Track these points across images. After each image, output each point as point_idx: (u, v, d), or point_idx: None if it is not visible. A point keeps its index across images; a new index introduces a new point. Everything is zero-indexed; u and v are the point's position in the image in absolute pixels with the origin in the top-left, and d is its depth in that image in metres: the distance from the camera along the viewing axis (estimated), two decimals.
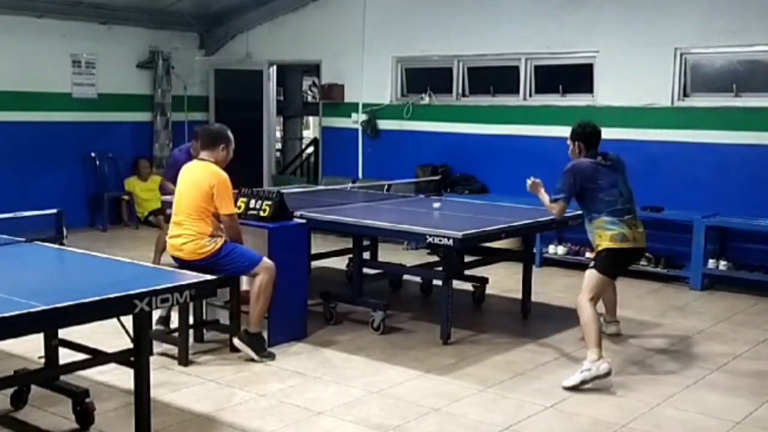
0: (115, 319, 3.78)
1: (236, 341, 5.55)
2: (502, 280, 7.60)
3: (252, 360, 5.49)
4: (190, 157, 6.51)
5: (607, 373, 5.10)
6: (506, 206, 7.51)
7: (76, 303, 3.41)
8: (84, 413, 4.30)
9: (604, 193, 5.53)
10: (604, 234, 5.50)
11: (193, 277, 4.12)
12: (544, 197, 5.78)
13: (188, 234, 5.39)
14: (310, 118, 15.58)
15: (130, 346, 3.96)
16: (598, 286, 5.49)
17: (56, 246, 4.96)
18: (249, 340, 5.52)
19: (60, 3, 10.08)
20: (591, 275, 5.48)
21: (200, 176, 5.45)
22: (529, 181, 5.93)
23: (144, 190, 10.93)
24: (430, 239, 5.69)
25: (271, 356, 5.56)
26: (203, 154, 5.59)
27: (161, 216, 7.66)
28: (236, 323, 5.65)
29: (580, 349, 5.84)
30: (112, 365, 4.35)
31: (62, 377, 4.51)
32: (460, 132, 9.91)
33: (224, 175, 5.49)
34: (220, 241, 5.42)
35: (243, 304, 5.65)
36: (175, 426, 4.43)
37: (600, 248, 5.52)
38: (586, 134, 5.73)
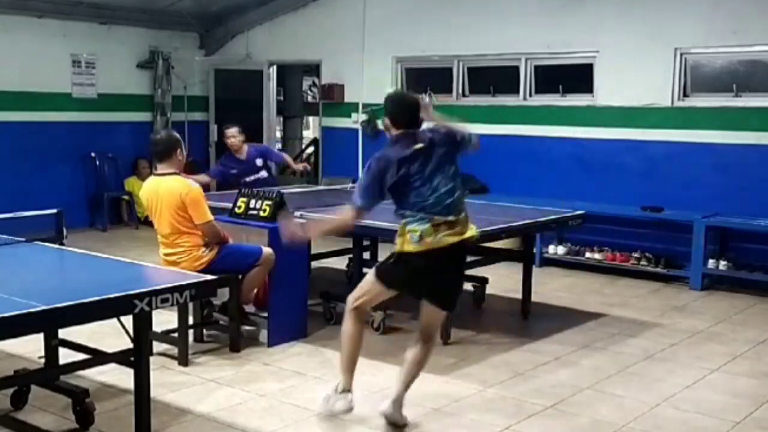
0: (115, 319, 3.78)
1: (215, 314, 5.77)
2: (502, 280, 7.59)
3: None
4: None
5: (346, 411, 4.36)
6: (506, 206, 7.51)
7: (76, 303, 3.41)
8: (84, 413, 4.30)
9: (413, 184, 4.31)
10: (403, 234, 4.32)
11: (193, 277, 4.13)
12: (326, 223, 4.82)
13: (181, 251, 5.39)
14: (310, 118, 15.58)
15: (130, 346, 3.96)
16: (368, 291, 4.41)
17: (56, 246, 4.96)
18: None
19: (60, 3, 10.09)
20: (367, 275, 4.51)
21: (169, 192, 5.33)
22: None
23: None
24: None
25: (252, 323, 5.77)
26: (161, 168, 5.42)
27: None
28: (236, 324, 5.66)
29: (580, 349, 5.85)
30: (112, 365, 4.35)
31: (62, 377, 4.51)
32: None
33: (193, 184, 5.40)
34: (215, 247, 5.43)
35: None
36: (175, 426, 4.43)
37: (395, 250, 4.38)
38: (395, 104, 4.48)
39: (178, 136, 5.54)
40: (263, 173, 8.23)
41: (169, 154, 5.39)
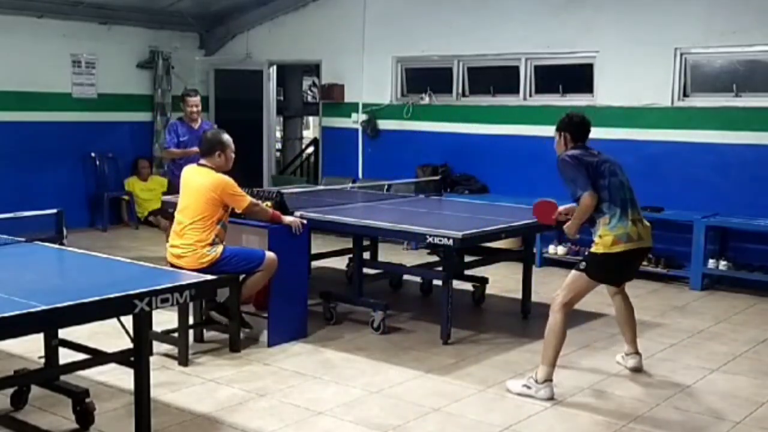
0: (115, 319, 3.78)
1: (214, 314, 5.73)
2: (502, 280, 7.60)
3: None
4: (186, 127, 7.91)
5: (548, 399, 4.83)
6: (506, 206, 7.51)
7: (76, 303, 3.41)
8: (84, 413, 4.30)
9: (606, 182, 5.02)
10: (607, 234, 4.93)
11: (193, 277, 4.13)
12: (575, 216, 5.12)
13: (187, 244, 5.40)
14: (310, 118, 15.59)
15: (130, 346, 3.96)
16: (581, 292, 5.02)
17: (56, 246, 4.96)
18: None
19: (60, 3, 10.08)
20: (577, 277, 4.99)
21: (201, 184, 5.49)
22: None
23: (144, 190, 10.95)
24: (430, 239, 5.69)
25: (248, 325, 5.80)
26: (203, 161, 5.65)
27: (160, 216, 7.70)
28: (237, 324, 5.66)
29: (580, 349, 5.85)
30: (112, 365, 4.34)
31: (62, 377, 4.51)
32: (460, 132, 9.90)
33: (224, 178, 5.53)
34: (219, 248, 5.45)
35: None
36: (175, 426, 4.43)
37: (596, 251, 4.96)
38: (574, 124, 5.22)
39: (223, 138, 5.63)
40: None
41: (209, 153, 5.60)
